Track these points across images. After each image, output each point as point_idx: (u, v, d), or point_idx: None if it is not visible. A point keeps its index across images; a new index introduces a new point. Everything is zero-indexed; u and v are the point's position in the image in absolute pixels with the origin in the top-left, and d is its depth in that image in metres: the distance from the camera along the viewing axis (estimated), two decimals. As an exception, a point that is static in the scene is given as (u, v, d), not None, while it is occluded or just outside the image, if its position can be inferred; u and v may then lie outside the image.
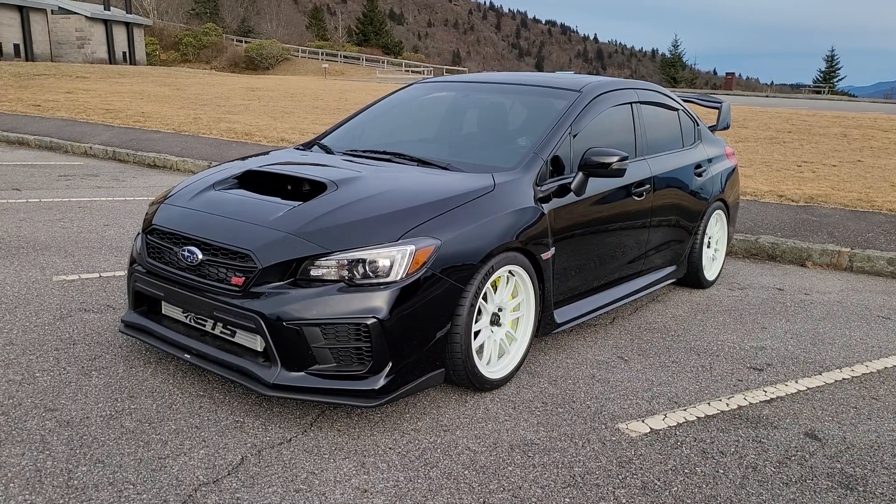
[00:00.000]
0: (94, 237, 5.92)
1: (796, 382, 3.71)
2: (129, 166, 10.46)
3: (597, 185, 3.97)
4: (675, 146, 5.01)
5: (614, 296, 4.31)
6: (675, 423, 3.18)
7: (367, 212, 3.06)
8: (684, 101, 6.07)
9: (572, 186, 3.76)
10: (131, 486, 2.48)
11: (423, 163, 3.77)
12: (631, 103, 4.56)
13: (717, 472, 2.80)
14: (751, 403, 3.43)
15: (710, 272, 5.49)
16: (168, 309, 3.35)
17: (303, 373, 2.88)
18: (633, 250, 4.44)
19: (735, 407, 3.38)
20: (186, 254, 3.10)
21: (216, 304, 3.00)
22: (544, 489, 2.62)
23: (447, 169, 3.67)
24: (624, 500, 2.58)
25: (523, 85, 4.49)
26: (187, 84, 26.81)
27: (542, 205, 3.58)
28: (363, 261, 2.88)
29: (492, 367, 3.41)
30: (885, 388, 3.70)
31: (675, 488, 2.67)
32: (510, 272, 3.41)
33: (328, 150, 4.20)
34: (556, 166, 3.80)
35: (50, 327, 3.88)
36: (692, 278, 5.30)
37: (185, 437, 2.83)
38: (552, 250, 3.63)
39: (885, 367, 3.98)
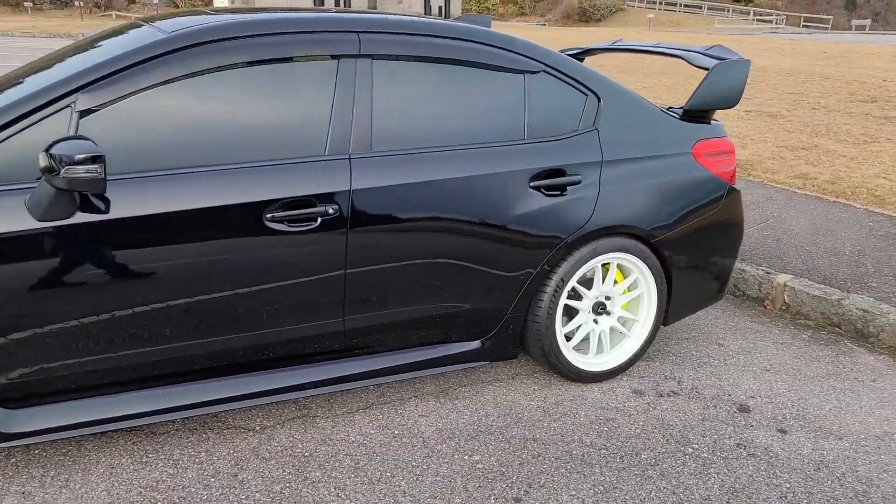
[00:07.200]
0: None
1: None
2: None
3: (155, 200, 2.31)
4: (489, 137, 2.84)
5: (204, 396, 2.52)
6: None
7: None
8: (615, 48, 3.68)
9: (26, 203, 2.20)
10: None
11: None
12: (338, 57, 2.62)
13: None
14: None
15: (590, 357, 3.13)
16: None
17: None
18: (273, 320, 2.53)
19: None
20: None
21: None
22: None
23: None
24: None
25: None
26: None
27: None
28: None
29: None
30: None
31: None
32: None
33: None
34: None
35: None
36: (544, 362, 3.10)
37: None
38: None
39: None
